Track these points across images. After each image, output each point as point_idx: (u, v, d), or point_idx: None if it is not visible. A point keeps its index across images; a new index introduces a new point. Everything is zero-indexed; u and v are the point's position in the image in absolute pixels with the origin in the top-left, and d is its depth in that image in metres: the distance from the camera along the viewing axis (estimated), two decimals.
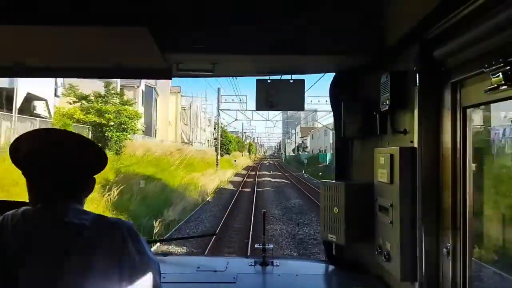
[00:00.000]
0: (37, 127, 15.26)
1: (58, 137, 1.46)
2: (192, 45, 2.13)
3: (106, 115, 20.59)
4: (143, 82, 34.06)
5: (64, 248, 1.22)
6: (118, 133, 21.36)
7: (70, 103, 20.99)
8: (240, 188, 24.70)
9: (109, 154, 17.91)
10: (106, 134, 20.89)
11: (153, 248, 8.51)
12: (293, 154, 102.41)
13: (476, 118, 1.81)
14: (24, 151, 1.34)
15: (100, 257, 1.24)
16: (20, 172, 1.33)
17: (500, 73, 1.29)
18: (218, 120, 42.00)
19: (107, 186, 12.74)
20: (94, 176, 1.42)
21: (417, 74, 1.77)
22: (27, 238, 1.22)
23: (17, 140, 1.36)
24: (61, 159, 1.31)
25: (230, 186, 26.44)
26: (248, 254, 8.99)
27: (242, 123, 75.98)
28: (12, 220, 1.25)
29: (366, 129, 2.35)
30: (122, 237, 1.28)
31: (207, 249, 9.75)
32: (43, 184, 1.32)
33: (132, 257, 1.28)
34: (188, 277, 2.49)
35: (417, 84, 1.78)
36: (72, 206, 1.31)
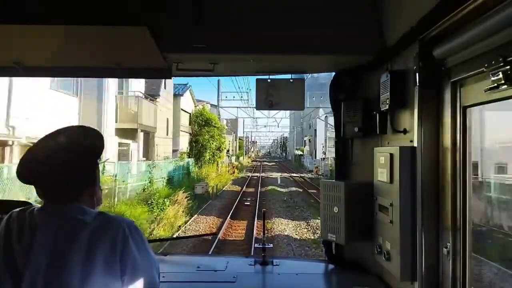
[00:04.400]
0: None
1: (51, 146, 1.42)
2: (192, 45, 2.13)
3: None
4: None
5: (67, 242, 1.26)
6: None
7: None
8: None
9: None
10: None
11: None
12: None
13: None
14: (24, 165, 1.37)
15: (102, 252, 1.26)
16: None
17: (500, 73, 1.29)
18: None
19: None
20: (97, 162, 1.45)
21: (417, 74, 1.77)
22: (32, 233, 1.27)
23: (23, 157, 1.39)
24: (54, 169, 1.33)
25: None
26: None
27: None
28: (18, 217, 1.32)
29: (366, 128, 2.35)
30: (123, 233, 1.31)
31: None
32: (46, 189, 1.35)
33: (133, 253, 1.31)
34: (188, 276, 2.49)
35: (417, 84, 1.77)
36: (76, 204, 1.35)
